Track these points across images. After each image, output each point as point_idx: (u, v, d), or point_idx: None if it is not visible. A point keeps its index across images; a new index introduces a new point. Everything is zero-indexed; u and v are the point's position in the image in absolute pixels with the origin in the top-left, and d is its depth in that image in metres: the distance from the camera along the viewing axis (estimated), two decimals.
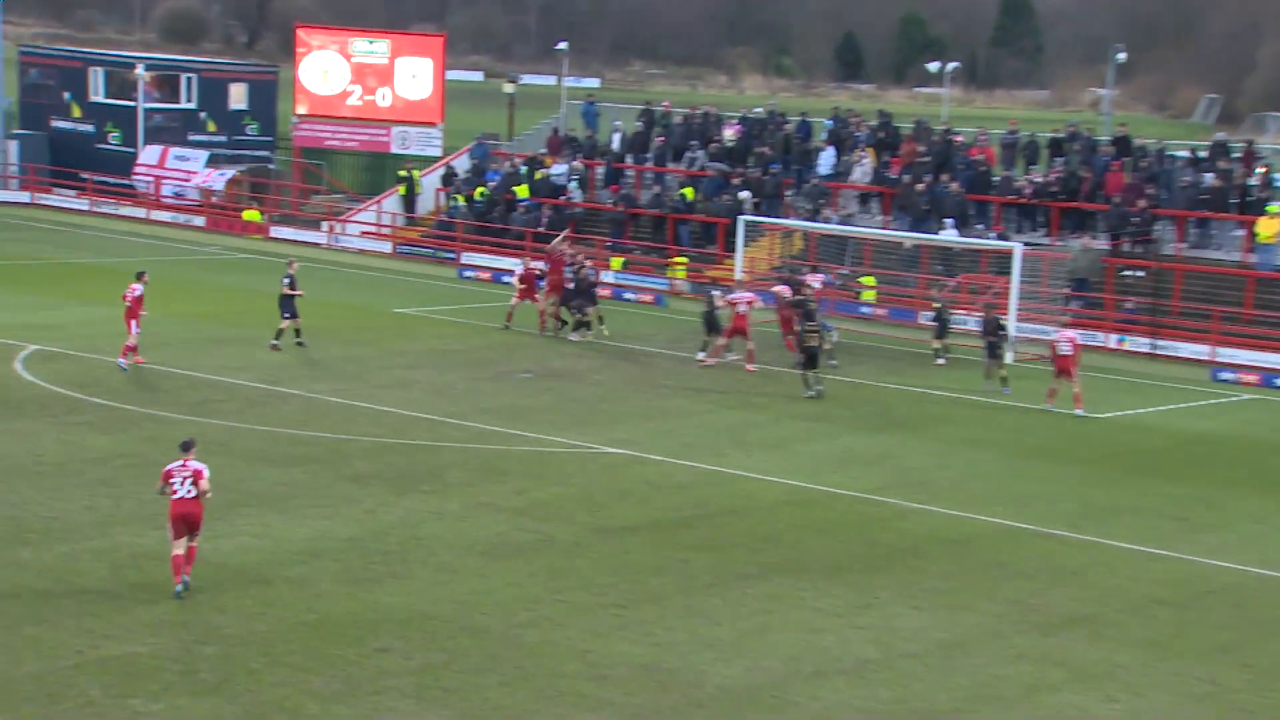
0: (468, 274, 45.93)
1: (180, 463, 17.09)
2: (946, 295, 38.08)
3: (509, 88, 58.80)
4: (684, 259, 45.77)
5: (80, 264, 43.32)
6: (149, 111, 57.54)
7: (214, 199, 54.73)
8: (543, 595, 17.73)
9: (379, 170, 58.42)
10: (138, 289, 28.74)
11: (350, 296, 38.74)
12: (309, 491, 21.47)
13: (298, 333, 31.69)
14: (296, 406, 26.74)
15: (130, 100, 57.62)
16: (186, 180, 55.44)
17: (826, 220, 44.30)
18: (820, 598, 18.23)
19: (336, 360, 31.25)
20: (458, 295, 40.62)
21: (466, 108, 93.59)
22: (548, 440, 25.49)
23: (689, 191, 48.35)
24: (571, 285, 35.31)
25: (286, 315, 31.39)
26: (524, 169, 50.77)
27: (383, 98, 56.73)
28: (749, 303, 32.91)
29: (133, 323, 28.47)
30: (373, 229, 51.92)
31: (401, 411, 26.91)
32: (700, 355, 33.51)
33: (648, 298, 43.58)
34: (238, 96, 59.28)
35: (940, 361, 35.13)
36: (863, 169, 46.51)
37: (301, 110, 57.59)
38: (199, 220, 53.92)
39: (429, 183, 52.97)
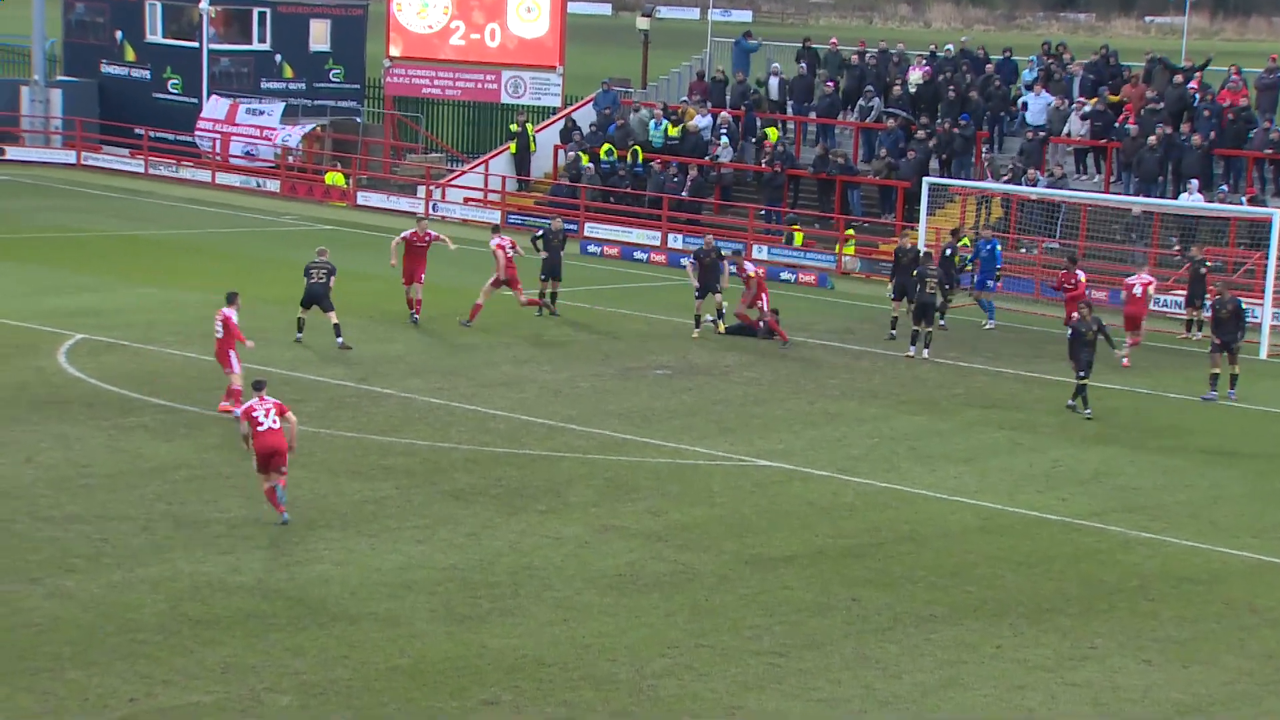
0: (591, 249, 46.27)
1: (258, 398, 20.93)
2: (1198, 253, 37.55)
3: (643, 23, 58.98)
4: (853, 230, 45.55)
5: (134, 237, 44.40)
6: (214, 54, 58.69)
7: (290, 159, 55.75)
8: (682, 639, 17.80)
9: (486, 124, 59.02)
10: (229, 316, 25.93)
11: (450, 277, 39.13)
12: (401, 510, 21.81)
13: (300, 325, 31.62)
14: (389, 408, 27.17)
15: (193, 41, 58.78)
16: (260, 138, 56.52)
17: (1033, 182, 43.79)
18: (1022, 647, 18.07)
19: (435, 354, 31.66)
20: (580, 275, 40.84)
21: (592, 47, 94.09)
22: (688, 451, 25.58)
23: (772, 133, 48.21)
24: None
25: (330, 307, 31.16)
26: (651, 123, 50.81)
27: (491, 36, 57.30)
28: (1146, 286, 33.79)
29: (231, 356, 25.94)
30: (478, 195, 52.54)
31: (512, 415, 27.19)
32: (911, 350, 33.41)
33: (809, 278, 43.45)
34: (319, 36, 60.19)
35: (1197, 335, 35.40)
36: (1079, 119, 45.87)
37: (395, 52, 58.43)
38: (273, 185, 55.02)
39: (545, 139, 53.41)
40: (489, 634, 17.63)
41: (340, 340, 31.28)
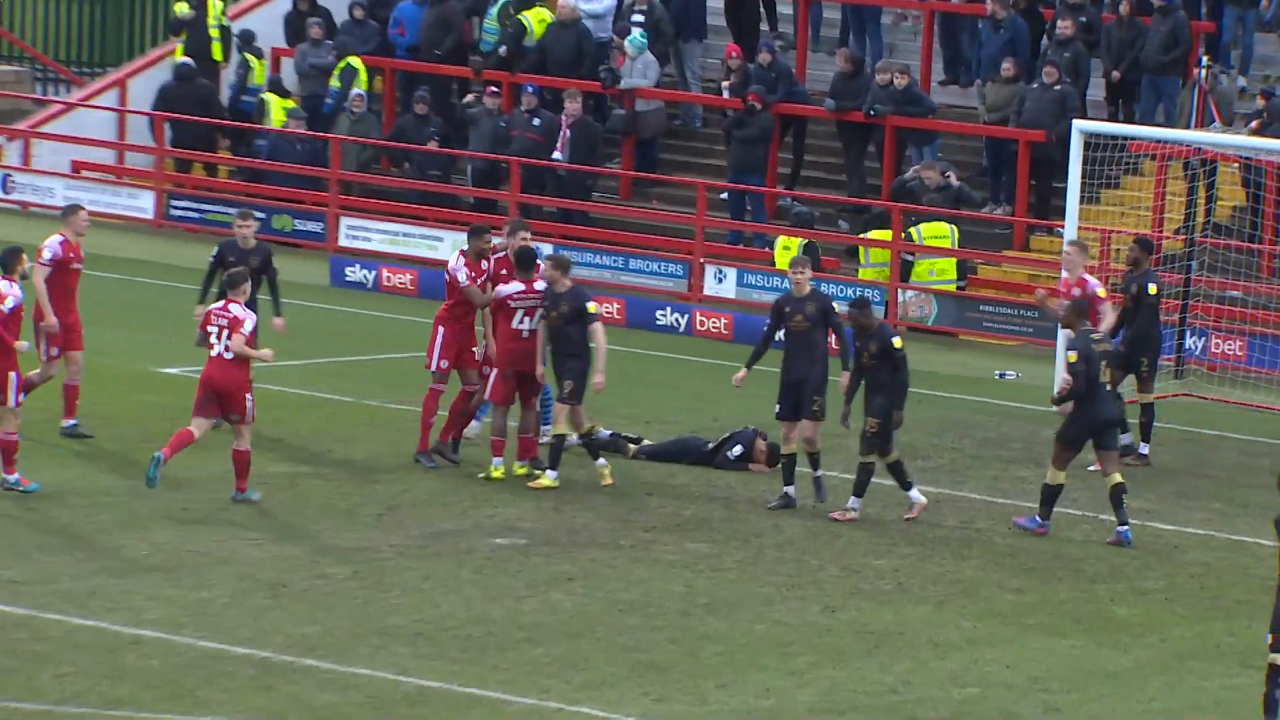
0: (354, 276, 46.94)
1: (221, 304, 30.66)
2: None
3: None
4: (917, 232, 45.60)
5: None
6: None
7: None
8: None
9: (118, 13, 59.38)
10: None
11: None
12: None
13: None
14: None
15: None
16: None
17: None
18: None
19: None
20: (324, 327, 40.75)
21: None
22: (562, 713, 25.64)
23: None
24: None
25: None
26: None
27: None
28: None
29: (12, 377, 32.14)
30: (106, 159, 53.86)
31: (162, 635, 27.11)
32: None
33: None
34: None
35: None
36: None
37: None
38: None
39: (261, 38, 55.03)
40: None
41: None
